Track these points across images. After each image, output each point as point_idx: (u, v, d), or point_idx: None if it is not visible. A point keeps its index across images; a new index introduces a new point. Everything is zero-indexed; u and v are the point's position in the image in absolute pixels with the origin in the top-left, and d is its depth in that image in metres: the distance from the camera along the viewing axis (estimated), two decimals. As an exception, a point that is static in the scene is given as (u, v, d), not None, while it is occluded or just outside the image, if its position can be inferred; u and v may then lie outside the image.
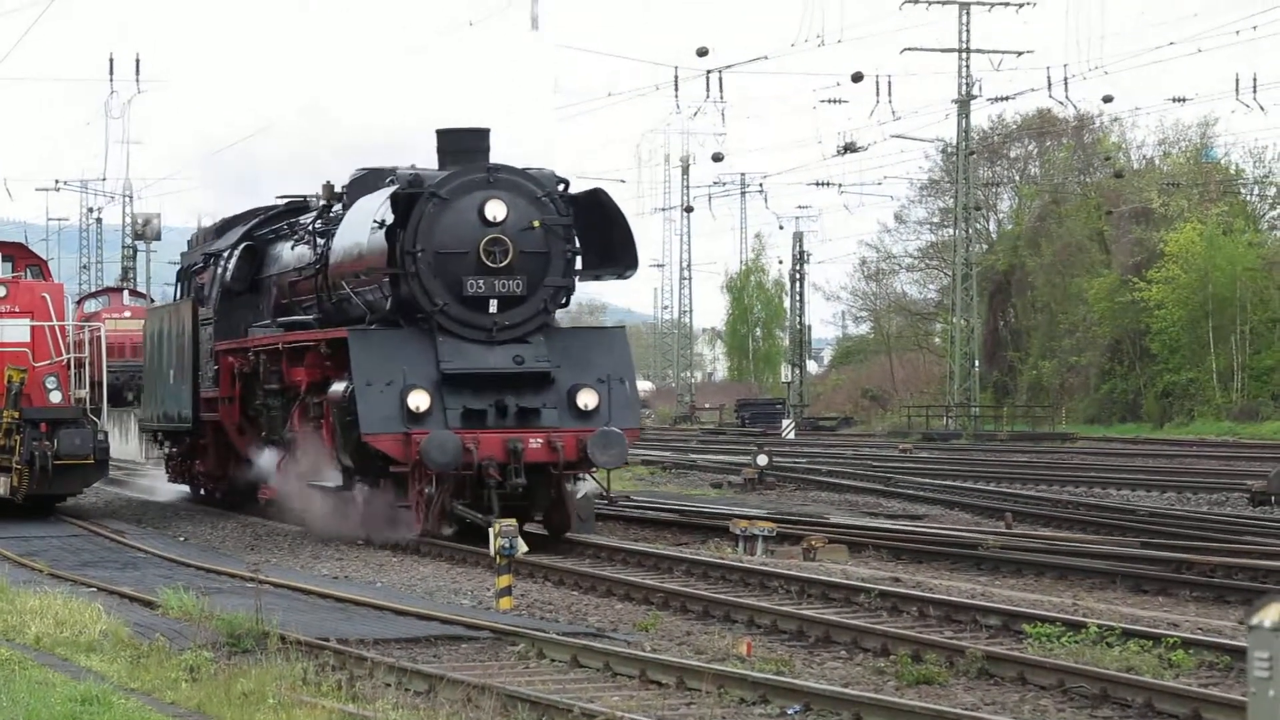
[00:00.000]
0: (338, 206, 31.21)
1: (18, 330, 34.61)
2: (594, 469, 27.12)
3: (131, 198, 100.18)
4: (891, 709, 14.04)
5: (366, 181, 30.63)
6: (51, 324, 35.17)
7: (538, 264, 27.23)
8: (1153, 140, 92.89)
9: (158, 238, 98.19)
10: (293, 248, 33.70)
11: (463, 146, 28.26)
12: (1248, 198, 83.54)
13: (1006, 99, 73.88)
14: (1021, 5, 79.84)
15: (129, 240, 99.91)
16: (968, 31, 79.40)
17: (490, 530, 21.72)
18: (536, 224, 27.05)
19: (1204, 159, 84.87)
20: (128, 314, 65.79)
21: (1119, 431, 72.48)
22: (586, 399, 26.88)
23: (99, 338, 38.03)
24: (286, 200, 38.11)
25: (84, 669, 16.39)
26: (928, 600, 20.51)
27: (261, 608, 18.72)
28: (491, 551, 21.67)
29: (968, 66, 79.73)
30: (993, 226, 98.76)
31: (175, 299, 43.07)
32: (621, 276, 28.76)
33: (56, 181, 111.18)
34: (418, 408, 26.23)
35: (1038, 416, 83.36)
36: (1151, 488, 40.52)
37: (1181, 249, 71.89)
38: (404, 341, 27.05)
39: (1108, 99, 78.08)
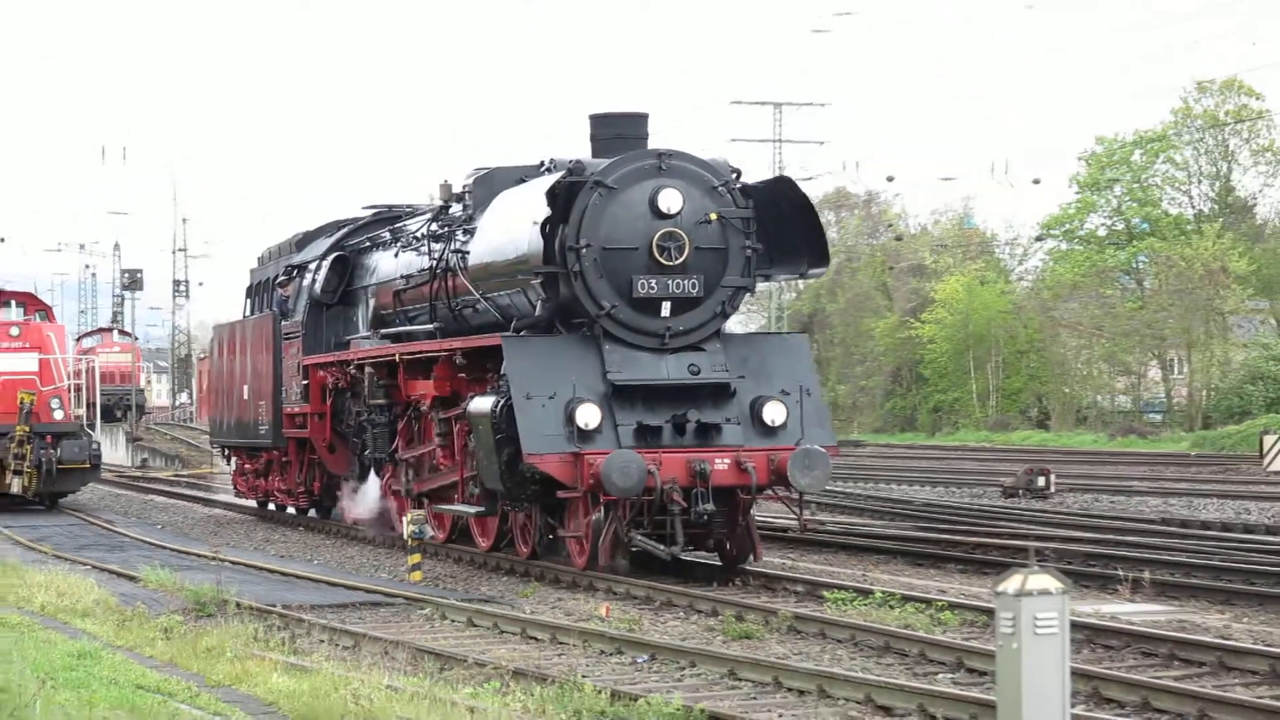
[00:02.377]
0: (456, 207, 26.21)
1: (28, 361, 40.66)
2: (789, 491, 22.05)
3: (120, 255, 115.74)
4: (718, 657, 16.58)
5: (494, 179, 25.96)
6: (55, 357, 41.21)
7: (715, 262, 22.67)
8: (925, 210, 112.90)
9: (141, 288, 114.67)
10: (396, 255, 29.04)
11: (619, 133, 23.21)
12: (1000, 256, 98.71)
13: (810, 179, 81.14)
14: (822, 105, 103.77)
15: (118, 290, 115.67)
16: (780, 126, 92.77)
17: (404, 518, 25.28)
18: (714, 216, 22.41)
19: (966, 225, 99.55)
20: (116, 348, 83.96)
21: (899, 439, 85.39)
22: (774, 413, 22.18)
23: (93, 368, 44.45)
24: (374, 210, 33.22)
25: (80, 630, 18.77)
26: (748, 572, 23.19)
27: (222, 581, 21.95)
28: (405, 535, 24.93)
29: (780, 153, 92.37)
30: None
31: (245, 315, 37.89)
32: (804, 275, 23.67)
33: (59, 243, 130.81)
34: (587, 424, 21.38)
35: (835, 428, 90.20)
36: (925, 483, 45.40)
37: (948, 296, 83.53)
38: (565, 349, 22.34)
39: (890, 178, 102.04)
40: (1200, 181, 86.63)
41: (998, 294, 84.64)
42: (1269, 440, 48.42)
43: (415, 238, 28.54)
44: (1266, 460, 47.22)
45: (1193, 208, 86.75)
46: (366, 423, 29.14)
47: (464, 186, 26.79)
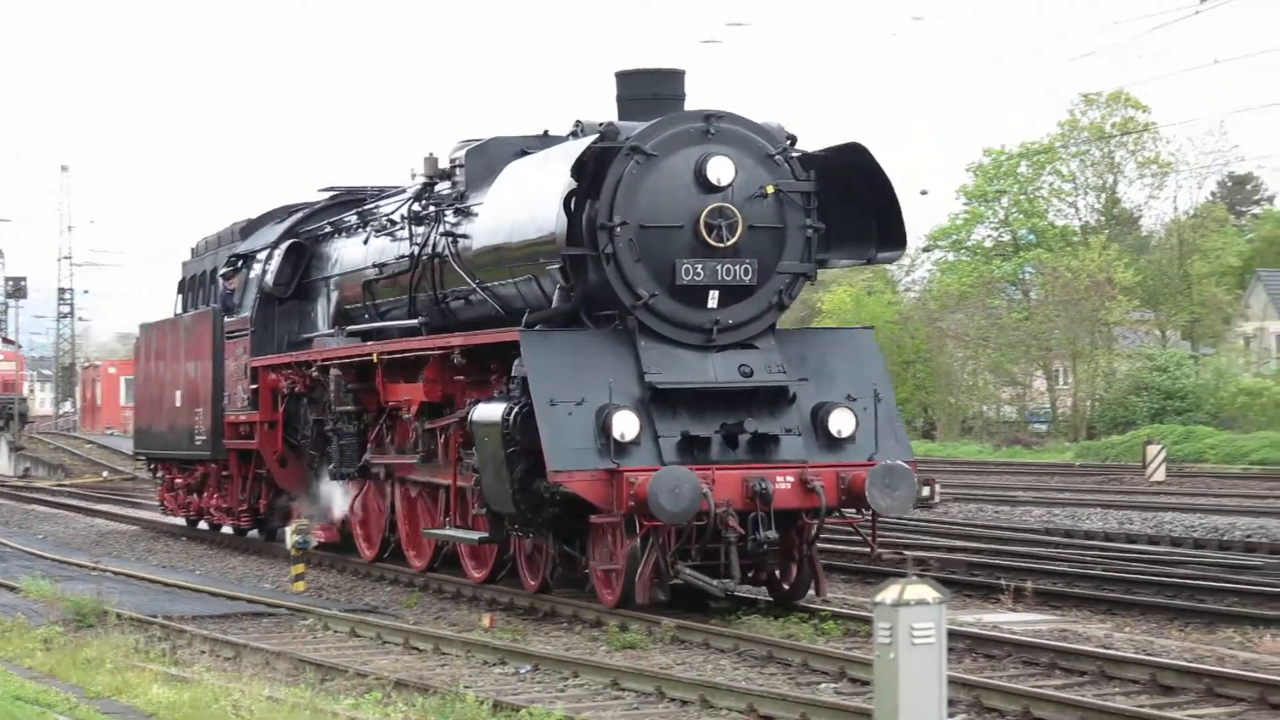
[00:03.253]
0: (444, 185, 22.08)
1: (-91, 368, 37.66)
2: (862, 514, 18.15)
3: (4, 263, 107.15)
4: (601, 668, 16.17)
5: (490, 151, 21.86)
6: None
7: (770, 244, 18.86)
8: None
9: (25, 295, 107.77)
10: (366, 242, 24.98)
11: (655, 92, 19.27)
12: (887, 267, 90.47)
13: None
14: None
15: (2, 299, 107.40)
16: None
17: (288, 529, 24.29)
18: (771, 190, 18.44)
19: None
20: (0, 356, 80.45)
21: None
22: (841, 422, 18.40)
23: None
24: (331, 192, 29.00)
25: (-42, 643, 18.14)
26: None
27: (102, 592, 21.46)
28: (288, 546, 23.93)
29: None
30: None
31: (177, 313, 33.52)
32: (873, 261, 19.70)
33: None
34: (624, 435, 17.40)
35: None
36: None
37: (836, 306, 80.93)
38: (594, 346, 18.49)
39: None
40: (1086, 193, 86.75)
41: (885, 304, 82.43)
42: (1151, 450, 47.81)
43: (390, 221, 24.51)
44: (1149, 470, 46.77)
45: (1079, 219, 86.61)
46: (332, 433, 24.90)
47: (453, 160, 22.73)
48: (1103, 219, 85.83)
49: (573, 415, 18.14)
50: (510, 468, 18.67)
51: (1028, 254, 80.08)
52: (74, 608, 20.15)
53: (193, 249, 34.56)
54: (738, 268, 18.73)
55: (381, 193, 27.70)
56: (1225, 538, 27.46)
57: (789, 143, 19.21)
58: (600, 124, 19.30)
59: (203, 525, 33.75)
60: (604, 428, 18.03)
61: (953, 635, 14.58)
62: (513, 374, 19.19)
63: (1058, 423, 75.44)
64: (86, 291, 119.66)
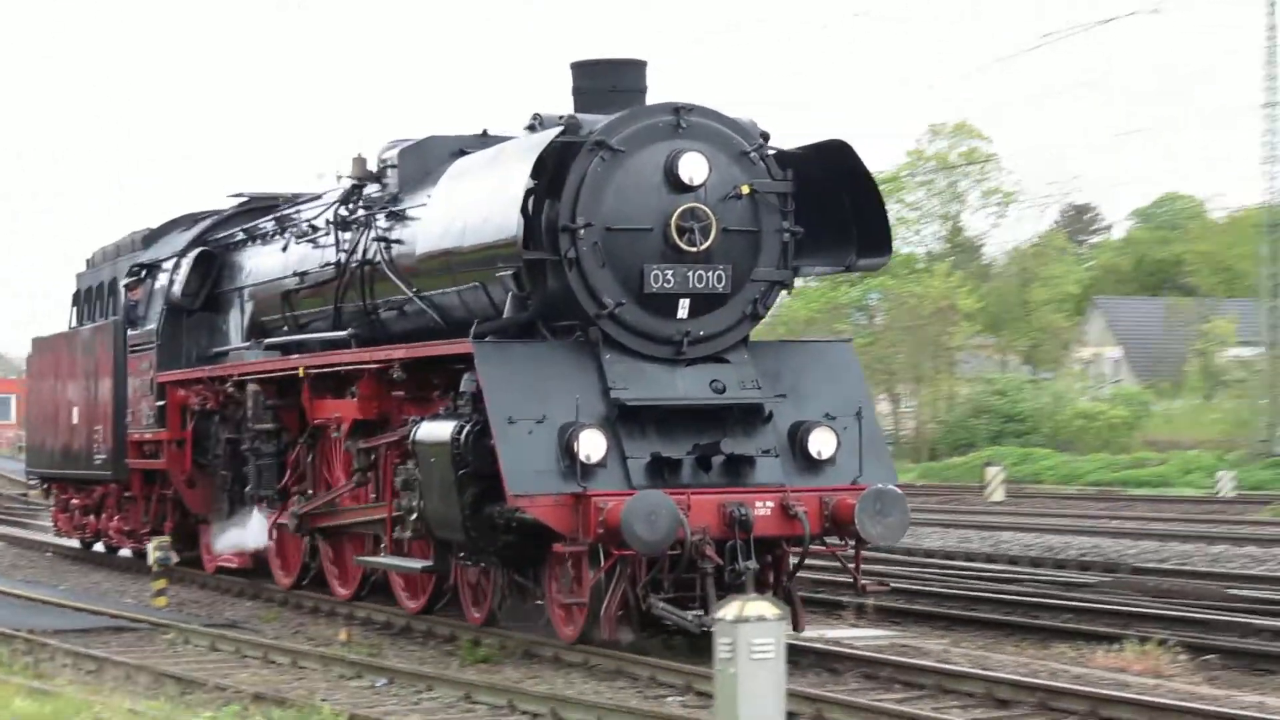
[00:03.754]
0: (372, 188, 20.23)
1: None
2: (850, 543, 16.51)
3: None
4: (455, 681, 16.18)
5: (426, 150, 20.01)
6: None
7: (745, 249, 17.10)
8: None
9: None
10: (285, 249, 22.98)
11: (614, 85, 17.48)
12: None
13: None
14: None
15: None
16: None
17: (149, 545, 24.41)
18: (747, 190, 16.76)
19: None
20: None
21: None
22: (821, 443, 16.66)
23: None
24: (241, 199, 27.03)
25: None
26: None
27: None
28: (150, 563, 23.95)
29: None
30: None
31: (72, 326, 31.38)
32: (852, 268, 18.02)
33: None
34: (589, 456, 15.50)
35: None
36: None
37: None
38: (554, 359, 16.65)
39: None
40: (931, 222, 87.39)
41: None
42: (990, 472, 49.87)
43: (313, 227, 22.65)
44: (987, 491, 48.56)
45: (924, 247, 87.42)
46: (249, 452, 22.96)
47: (383, 161, 20.86)
48: (947, 246, 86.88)
49: (533, 434, 16.39)
50: (460, 491, 16.89)
51: (873, 281, 78.53)
52: (-68, 622, 19.98)
53: (88, 260, 32.43)
54: (710, 274, 17.03)
55: (297, 199, 25.80)
56: (1060, 556, 27.76)
57: (763, 139, 17.49)
58: (560, 117, 17.53)
59: (98, 548, 31.63)
60: (568, 448, 16.28)
61: (796, 650, 15.71)
62: (460, 389, 17.41)
63: (900, 445, 75.14)
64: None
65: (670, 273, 16.92)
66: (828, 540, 16.85)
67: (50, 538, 35.02)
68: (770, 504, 16.34)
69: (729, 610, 8.31)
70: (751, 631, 7.81)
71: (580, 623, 16.73)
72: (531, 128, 17.85)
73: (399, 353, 18.61)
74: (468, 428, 16.85)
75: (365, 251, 20.59)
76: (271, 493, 22.80)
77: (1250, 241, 66.81)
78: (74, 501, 31.98)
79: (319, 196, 23.31)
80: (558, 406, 16.53)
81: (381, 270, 20.13)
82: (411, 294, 19.44)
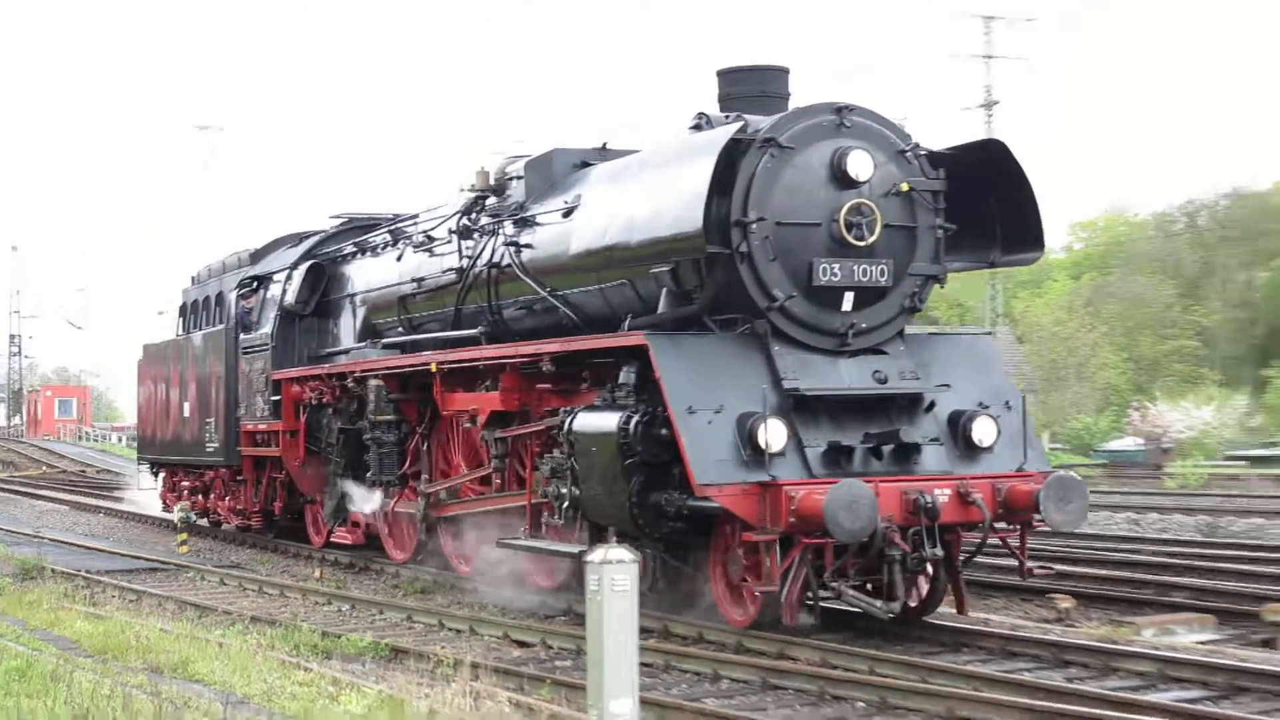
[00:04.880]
0: (492, 200, 15.87)
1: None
2: (1030, 527, 12.17)
3: None
4: (400, 607, 15.96)
5: (552, 163, 15.76)
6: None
7: (904, 244, 12.80)
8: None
9: None
10: (400, 259, 18.63)
11: (764, 90, 13.23)
12: None
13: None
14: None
15: None
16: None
17: (175, 507, 25.53)
18: (906, 187, 12.30)
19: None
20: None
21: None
22: (984, 431, 12.27)
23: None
24: (341, 219, 22.54)
25: (-67, 592, 17.64)
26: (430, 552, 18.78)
27: (41, 553, 20.96)
28: (176, 520, 24.77)
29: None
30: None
31: (179, 333, 26.76)
32: (996, 264, 13.76)
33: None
34: (772, 445, 10.99)
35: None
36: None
37: None
38: (725, 351, 12.18)
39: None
40: None
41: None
42: None
43: (429, 238, 18.26)
44: None
45: None
46: (371, 441, 18.46)
47: (506, 174, 16.55)
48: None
49: (712, 424, 12.14)
50: (627, 480, 12.54)
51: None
52: (20, 565, 20.03)
53: (193, 277, 27.78)
54: (874, 268, 12.83)
55: (397, 217, 21.48)
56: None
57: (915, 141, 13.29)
58: (726, 117, 13.28)
59: (202, 522, 27.05)
60: (750, 437, 11.98)
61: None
62: (620, 381, 13.08)
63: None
64: (31, 337, 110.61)
65: (837, 266, 12.72)
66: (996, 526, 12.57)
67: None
68: (947, 491, 12.10)
69: (596, 555, 7.40)
70: (613, 570, 6.86)
71: (754, 608, 12.43)
72: (697, 127, 13.58)
73: (552, 346, 14.21)
74: (636, 418, 12.55)
75: (494, 256, 16.28)
76: (392, 478, 18.36)
77: None
78: (184, 484, 27.37)
79: (434, 209, 18.97)
80: (733, 397, 12.29)
81: (511, 271, 15.88)
82: (545, 293, 15.14)
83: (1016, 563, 12.75)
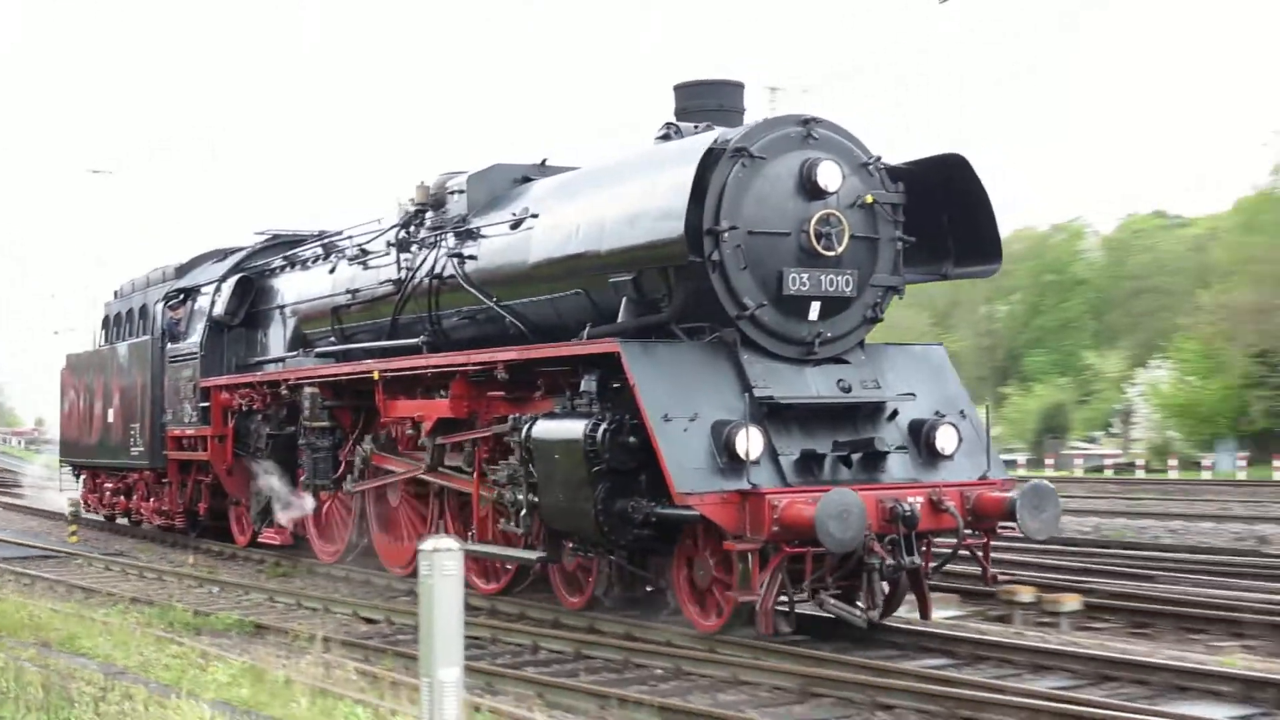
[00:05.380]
0: (431, 214, 14.09)
1: None
2: (994, 534, 10.65)
3: None
4: (262, 589, 15.54)
5: (493, 177, 13.84)
6: None
7: (866, 255, 11.18)
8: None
9: None
10: (332, 271, 16.48)
11: (721, 104, 11.53)
12: None
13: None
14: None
15: None
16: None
17: (65, 501, 24.77)
18: (870, 199, 10.64)
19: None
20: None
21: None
22: (946, 439, 10.72)
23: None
24: (265, 236, 20.47)
25: None
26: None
27: None
28: (66, 512, 23.84)
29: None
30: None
31: (102, 344, 24.41)
32: (948, 276, 12.24)
33: None
34: (749, 454, 9.31)
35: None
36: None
37: None
38: (695, 358, 10.28)
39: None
40: None
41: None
42: None
43: (363, 250, 16.27)
44: None
45: None
46: (305, 446, 16.46)
47: (446, 189, 14.71)
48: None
49: (688, 432, 10.40)
50: (592, 487, 10.79)
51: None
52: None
53: (116, 291, 25.38)
54: (840, 278, 11.25)
55: (322, 234, 19.50)
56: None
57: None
58: (695, 127, 11.64)
59: (121, 520, 24.74)
60: (727, 445, 10.31)
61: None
62: (582, 389, 11.34)
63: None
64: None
65: (805, 276, 11.13)
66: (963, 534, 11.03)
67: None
68: (919, 499, 10.54)
69: (428, 544, 6.42)
70: (442, 557, 6.14)
71: (724, 615, 10.76)
72: (666, 136, 11.91)
73: (510, 354, 12.40)
74: (604, 425, 10.81)
75: (434, 267, 14.41)
76: (327, 481, 16.35)
77: None
78: (107, 485, 24.92)
79: (363, 225, 17.06)
80: (706, 405, 10.62)
81: (453, 282, 14.06)
82: (491, 303, 13.32)
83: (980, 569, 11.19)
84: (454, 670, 5.67)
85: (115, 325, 24.74)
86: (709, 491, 10.13)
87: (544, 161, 14.59)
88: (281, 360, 18.25)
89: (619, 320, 11.61)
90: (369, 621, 13.30)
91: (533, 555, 12.10)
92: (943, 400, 11.66)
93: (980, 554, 11.07)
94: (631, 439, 10.80)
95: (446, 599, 6.07)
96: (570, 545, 11.82)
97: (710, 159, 10.89)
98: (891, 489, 10.55)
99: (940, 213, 11.91)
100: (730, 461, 10.30)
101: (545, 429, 11.51)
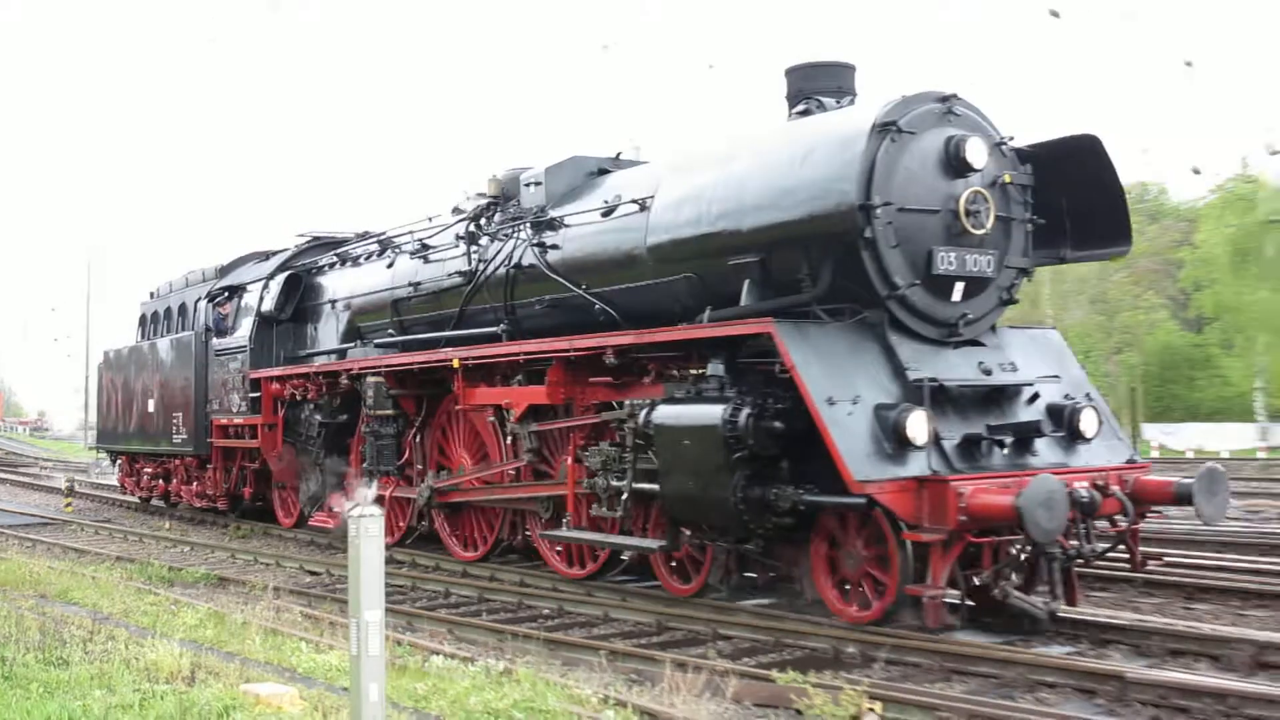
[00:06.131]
0: (501, 207, 11.41)
1: None
2: (1143, 518, 8.29)
3: None
4: (225, 548, 15.21)
5: (570, 169, 11.30)
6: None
7: (1003, 236, 8.80)
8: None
9: None
10: (390, 265, 13.45)
11: (840, 85, 8.94)
12: None
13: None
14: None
15: None
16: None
17: (62, 482, 24.62)
18: (1009, 179, 8.12)
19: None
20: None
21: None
22: (1089, 423, 8.21)
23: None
24: (305, 238, 17.58)
25: None
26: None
27: None
28: (63, 489, 23.16)
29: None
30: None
31: (140, 340, 21.21)
32: (1065, 260, 9.84)
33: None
34: (915, 438, 6.78)
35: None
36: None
37: None
38: (847, 339, 7.65)
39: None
40: None
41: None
42: None
43: (424, 245, 13.50)
44: None
45: None
46: (369, 434, 13.63)
47: (522, 181, 12.08)
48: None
49: (852, 416, 7.89)
50: (731, 474, 8.26)
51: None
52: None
53: (151, 292, 22.21)
54: (983, 258, 8.88)
55: (367, 234, 16.74)
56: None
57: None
58: (838, 102, 9.23)
59: (155, 502, 21.64)
60: (895, 429, 7.84)
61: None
62: (709, 373, 8.84)
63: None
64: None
65: (953, 255, 8.73)
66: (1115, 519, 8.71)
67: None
68: (1084, 484, 8.18)
69: (354, 510, 5.71)
70: (367, 521, 5.52)
71: (879, 605, 8.29)
72: (806, 111, 9.40)
73: (622, 338, 9.84)
74: (746, 409, 8.29)
75: (511, 258, 11.76)
76: (391, 468, 13.58)
77: None
78: (147, 470, 21.71)
79: (418, 222, 14.35)
80: (865, 387, 8.13)
81: (535, 271, 11.43)
82: (579, 290, 10.73)
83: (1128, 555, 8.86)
84: (377, 612, 5.49)
85: (153, 323, 21.63)
86: (886, 479, 7.67)
87: (618, 155, 12.07)
88: (335, 352, 15.45)
89: (743, 303, 9.12)
90: (312, 574, 13.30)
91: (653, 544, 9.53)
92: (1070, 383, 9.34)
93: (1130, 539, 8.74)
94: (775, 424, 8.33)
95: (370, 556, 5.59)
96: (710, 534, 9.28)
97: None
98: (1067, 473, 8.18)
99: (1060, 195, 9.58)
100: (898, 447, 7.86)
101: (672, 414, 8.97)
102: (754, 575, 9.46)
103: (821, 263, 8.60)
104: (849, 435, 7.83)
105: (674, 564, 10.19)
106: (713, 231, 9.22)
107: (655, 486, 9.24)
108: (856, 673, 7.44)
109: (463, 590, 11.26)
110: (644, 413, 9.32)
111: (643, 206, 10.29)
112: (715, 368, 8.95)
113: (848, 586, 8.62)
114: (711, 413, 8.60)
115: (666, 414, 9.06)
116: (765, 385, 8.58)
